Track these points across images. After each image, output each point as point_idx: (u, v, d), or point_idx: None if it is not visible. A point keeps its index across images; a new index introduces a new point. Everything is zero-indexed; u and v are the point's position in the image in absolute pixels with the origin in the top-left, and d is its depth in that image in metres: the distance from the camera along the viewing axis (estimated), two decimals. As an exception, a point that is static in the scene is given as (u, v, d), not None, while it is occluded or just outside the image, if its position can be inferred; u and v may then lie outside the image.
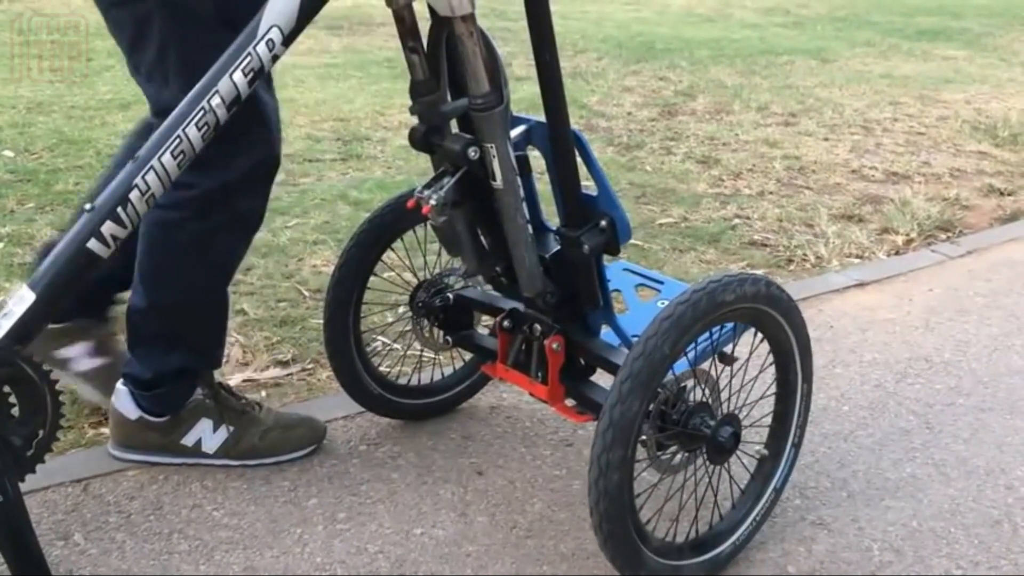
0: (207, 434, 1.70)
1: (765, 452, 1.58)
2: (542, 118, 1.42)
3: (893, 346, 2.33)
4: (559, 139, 1.42)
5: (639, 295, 1.83)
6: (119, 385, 1.70)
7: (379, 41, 5.61)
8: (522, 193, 1.42)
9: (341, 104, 4.18)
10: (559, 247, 1.51)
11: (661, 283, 1.85)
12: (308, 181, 3.23)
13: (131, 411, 1.68)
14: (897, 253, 2.95)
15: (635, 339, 1.36)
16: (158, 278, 1.60)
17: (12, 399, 1.17)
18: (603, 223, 1.46)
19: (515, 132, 1.44)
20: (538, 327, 1.55)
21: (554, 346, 1.53)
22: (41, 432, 1.18)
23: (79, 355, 1.80)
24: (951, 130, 4.32)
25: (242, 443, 1.72)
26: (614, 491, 1.33)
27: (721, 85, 4.94)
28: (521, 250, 1.45)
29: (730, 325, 1.53)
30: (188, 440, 1.70)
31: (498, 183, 1.39)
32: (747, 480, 1.59)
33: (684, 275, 2.61)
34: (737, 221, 3.10)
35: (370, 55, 5.21)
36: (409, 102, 1.45)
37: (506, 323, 1.61)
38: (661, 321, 1.34)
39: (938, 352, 2.31)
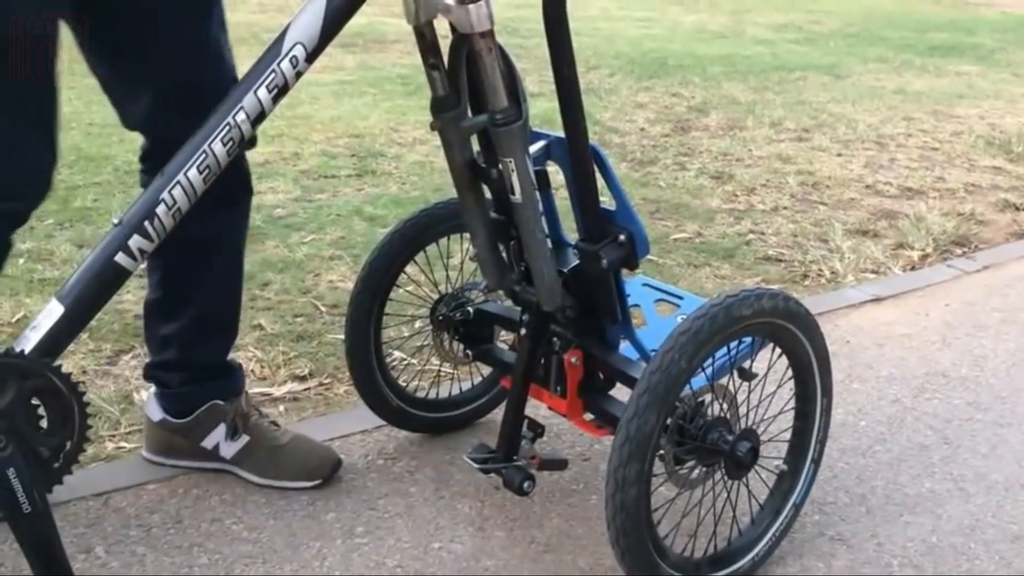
0: (223, 439, 1.71)
1: (784, 467, 1.58)
2: (561, 133, 1.43)
3: (910, 361, 2.33)
4: (578, 154, 1.43)
5: (658, 310, 1.84)
6: (152, 388, 1.74)
7: (393, 58, 5.64)
8: (541, 207, 1.43)
9: (356, 120, 4.21)
10: (578, 261, 1.51)
11: (680, 298, 1.85)
12: (323, 197, 3.25)
13: (155, 413, 1.72)
14: (913, 268, 2.95)
15: (654, 353, 1.37)
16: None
17: (41, 411, 1.18)
18: (621, 238, 1.46)
19: (535, 147, 1.46)
20: (557, 341, 1.56)
21: (573, 360, 1.54)
22: (68, 444, 1.19)
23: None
24: (965, 145, 4.32)
25: (255, 454, 1.72)
26: (631, 505, 1.33)
27: (734, 101, 4.95)
28: (540, 264, 1.46)
29: (748, 340, 1.53)
30: (208, 443, 1.71)
31: (517, 197, 1.40)
32: (766, 495, 1.59)
33: (699, 290, 2.61)
34: (751, 236, 3.10)
35: (384, 72, 5.24)
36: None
37: (525, 337, 1.62)
38: (679, 335, 1.35)
39: (955, 367, 2.31)
